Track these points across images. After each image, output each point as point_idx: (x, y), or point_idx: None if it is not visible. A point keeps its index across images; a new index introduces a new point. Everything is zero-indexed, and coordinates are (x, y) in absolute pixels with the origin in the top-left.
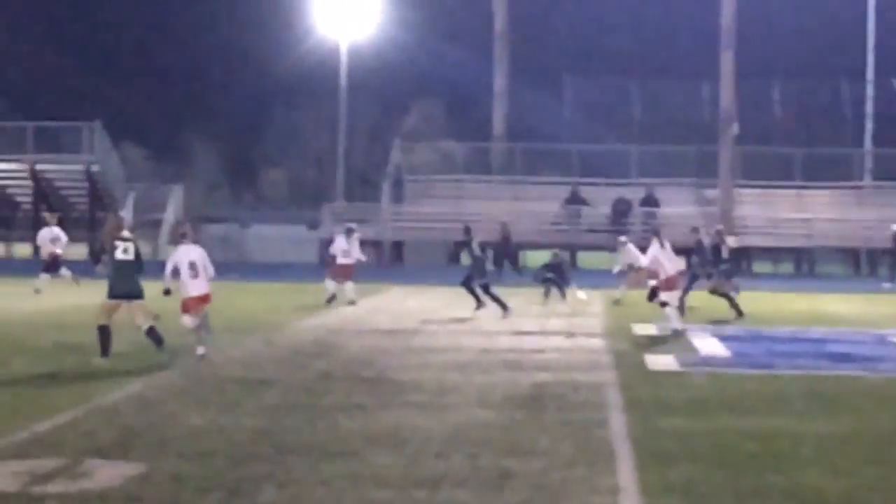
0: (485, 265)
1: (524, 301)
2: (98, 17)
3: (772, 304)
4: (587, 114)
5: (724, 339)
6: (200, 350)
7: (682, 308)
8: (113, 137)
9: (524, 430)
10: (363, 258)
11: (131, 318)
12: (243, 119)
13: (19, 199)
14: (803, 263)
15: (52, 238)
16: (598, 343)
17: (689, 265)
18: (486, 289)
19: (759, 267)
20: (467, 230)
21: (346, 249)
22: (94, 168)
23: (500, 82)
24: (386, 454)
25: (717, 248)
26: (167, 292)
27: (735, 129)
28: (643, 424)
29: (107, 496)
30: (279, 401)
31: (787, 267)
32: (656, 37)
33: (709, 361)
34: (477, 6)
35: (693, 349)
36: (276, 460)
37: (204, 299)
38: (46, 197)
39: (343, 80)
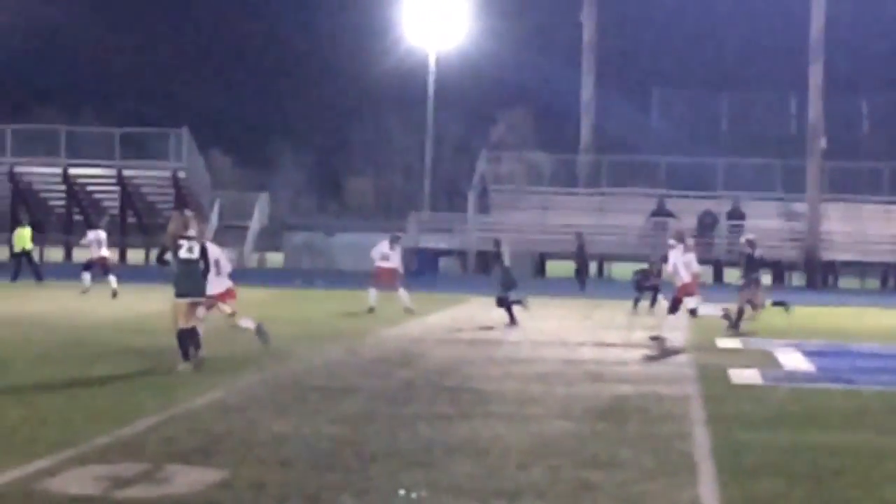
0: (513, 277)
1: (610, 312)
2: (187, 25)
3: (857, 319)
4: (674, 126)
5: (808, 353)
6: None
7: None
8: (200, 144)
9: (605, 441)
10: (401, 269)
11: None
12: (330, 128)
13: (106, 204)
14: (890, 278)
15: (97, 240)
16: (681, 356)
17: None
18: (502, 301)
19: (845, 282)
20: (497, 242)
21: (385, 254)
22: (181, 174)
23: (587, 93)
24: (466, 464)
25: (750, 258)
26: None
27: (823, 143)
28: (726, 438)
29: (188, 502)
30: (361, 409)
31: (874, 283)
32: (745, 49)
33: (792, 376)
34: (566, 17)
35: (777, 364)
36: (357, 469)
37: (229, 294)
38: (133, 203)
39: (431, 89)
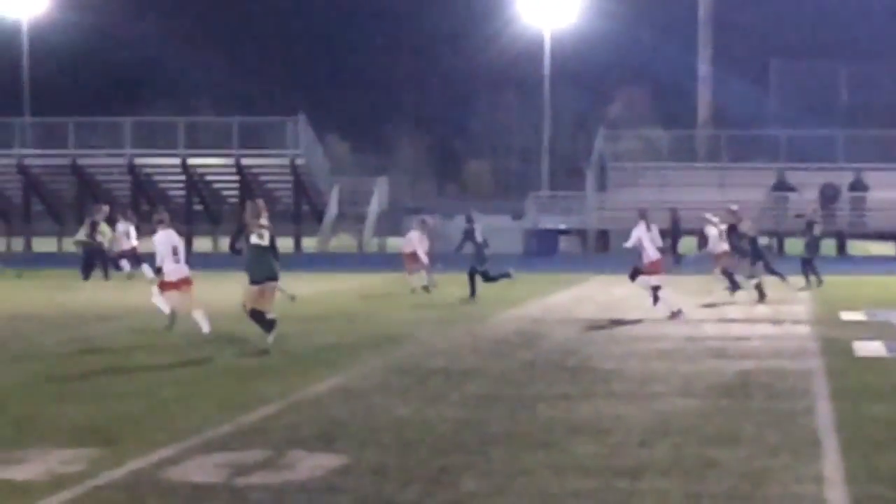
0: (484, 252)
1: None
2: (301, 13)
3: None
4: (793, 98)
5: None
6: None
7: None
8: (317, 131)
9: (728, 418)
10: (422, 254)
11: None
12: (447, 110)
13: (225, 193)
14: None
15: (126, 232)
16: (804, 330)
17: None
18: (485, 275)
19: None
20: (469, 218)
21: (409, 238)
22: (299, 161)
23: (704, 68)
24: (588, 444)
25: (731, 229)
26: (158, 271)
27: None
28: (850, 412)
29: (309, 488)
30: (482, 391)
31: None
32: (862, 18)
33: None
34: None
35: None
36: (479, 451)
37: (186, 282)
38: (252, 191)
39: (547, 69)
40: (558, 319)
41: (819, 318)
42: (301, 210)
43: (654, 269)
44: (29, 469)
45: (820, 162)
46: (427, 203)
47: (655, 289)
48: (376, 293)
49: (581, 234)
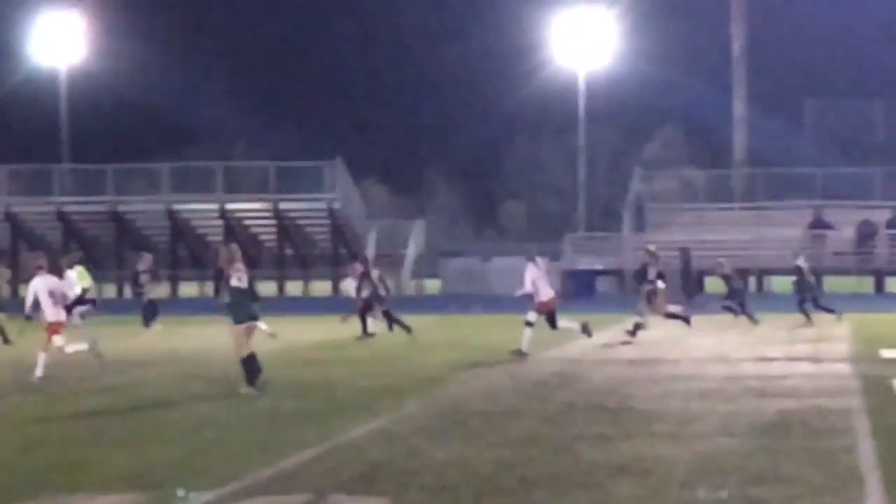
0: (379, 292)
1: (770, 326)
2: (337, 58)
3: None
4: (829, 136)
5: None
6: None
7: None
8: (354, 174)
9: (770, 457)
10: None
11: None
12: (483, 152)
13: (263, 237)
14: None
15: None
16: (844, 368)
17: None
18: (386, 314)
19: None
20: (364, 260)
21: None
22: (336, 205)
23: (739, 107)
24: (630, 484)
25: (643, 269)
26: (28, 318)
27: None
28: (892, 450)
29: None
30: (522, 432)
31: None
32: None
33: None
34: (714, 31)
35: None
36: (519, 492)
37: (62, 325)
38: (289, 235)
39: (581, 109)
40: (597, 360)
41: (859, 356)
42: (339, 253)
43: (541, 309)
44: None
45: (857, 199)
46: (464, 245)
47: (528, 324)
48: (415, 336)
49: (618, 274)
